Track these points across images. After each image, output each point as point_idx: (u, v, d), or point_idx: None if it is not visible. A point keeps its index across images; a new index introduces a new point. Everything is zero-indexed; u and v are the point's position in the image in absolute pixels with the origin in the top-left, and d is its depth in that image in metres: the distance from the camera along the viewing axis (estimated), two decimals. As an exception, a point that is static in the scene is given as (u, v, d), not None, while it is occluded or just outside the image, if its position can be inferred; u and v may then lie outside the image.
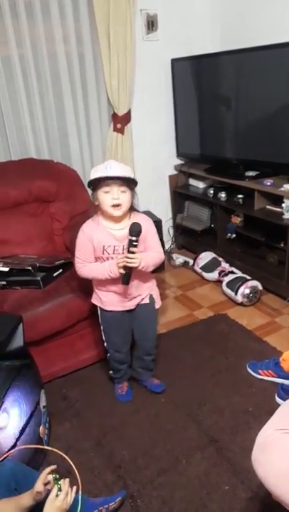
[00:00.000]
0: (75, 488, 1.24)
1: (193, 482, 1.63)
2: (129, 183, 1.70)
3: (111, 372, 2.11)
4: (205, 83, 3.05)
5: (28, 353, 1.80)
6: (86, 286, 2.11)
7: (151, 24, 3.01)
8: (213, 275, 3.06)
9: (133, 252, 1.68)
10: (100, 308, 1.93)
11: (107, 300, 1.89)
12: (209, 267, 3.11)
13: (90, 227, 1.79)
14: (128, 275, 1.71)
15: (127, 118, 2.98)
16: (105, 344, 2.01)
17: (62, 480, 1.22)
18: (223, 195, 3.07)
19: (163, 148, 3.40)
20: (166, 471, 1.68)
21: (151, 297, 1.93)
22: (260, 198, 2.79)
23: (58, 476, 1.23)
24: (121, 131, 2.98)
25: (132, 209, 1.79)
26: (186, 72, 3.10)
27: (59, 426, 1.93)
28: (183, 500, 1.56)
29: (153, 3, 2.97)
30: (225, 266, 3.06)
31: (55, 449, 1.42)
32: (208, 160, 3.25)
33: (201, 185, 3.38)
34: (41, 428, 1.71)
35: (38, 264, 2.13)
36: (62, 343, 2.14)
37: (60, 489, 1.19)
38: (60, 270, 2.24)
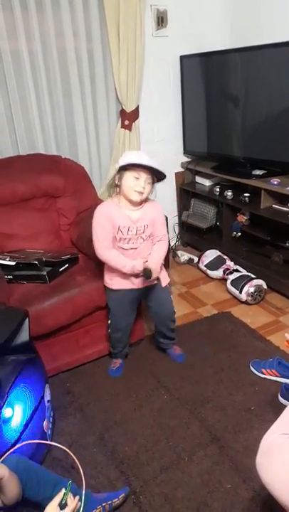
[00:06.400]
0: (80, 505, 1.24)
1: (196, 480, 1.64)
2: (157, 175, 1.87)
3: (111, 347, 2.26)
4: (214, 80, 3.03)
5: (33, 347, 1.82)
6: (92, 282, 2.12)
7: (161, 20, 2.99)
8: (218, 273, 3.07)
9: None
10: (108, 289, 2.05)
11: (117, 279, 2.01)
12: (214, 264, 3.11)
13: (109, 206, 1.92)
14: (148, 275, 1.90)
15: (134, 114, 2.97)
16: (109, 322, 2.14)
17: (70, 494, 1.22)
18: (229, 193, 3.07)
19: (170, 146, 3.39)
20: (168, 468, 1.69)
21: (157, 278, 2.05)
22: (267, 196, 2.78)
23: (70, 488, 1.24)
24: (129, 127, 2.97)
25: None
26: (194, 69, 3.09)
27: (63, 420, 1.95)
28: (185, 498, 1.57)
29: (163, -1, 2.94)
30: (230, 264, 3.05)
31: (59, 445, 1.42)
32: (215, 158, 3.24)
33: (207, 182, 3.38)
34: (45, 422, 1.72)
35: (44, 259, 2.13)
36: (67, 337, 2.15)
37: (65, 501, 1.20)
38: (66, 265, 2.24)
